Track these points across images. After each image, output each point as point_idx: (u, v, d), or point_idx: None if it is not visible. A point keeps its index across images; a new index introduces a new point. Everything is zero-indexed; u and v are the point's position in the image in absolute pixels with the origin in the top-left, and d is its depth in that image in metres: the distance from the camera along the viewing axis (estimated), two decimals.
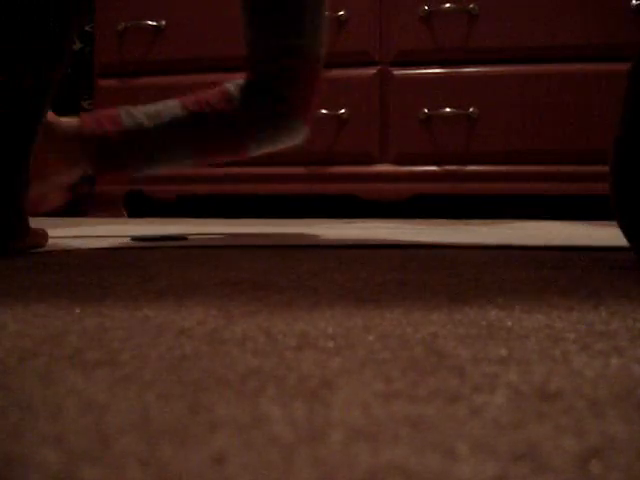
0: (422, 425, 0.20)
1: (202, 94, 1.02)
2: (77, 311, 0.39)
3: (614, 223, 0.93)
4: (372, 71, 1.85)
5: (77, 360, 0.28)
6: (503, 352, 0.29)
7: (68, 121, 0.94)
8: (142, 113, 0.97)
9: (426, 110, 1.75)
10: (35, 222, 0.84)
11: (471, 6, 1.73)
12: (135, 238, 0.97)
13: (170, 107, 0.99)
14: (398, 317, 0.37)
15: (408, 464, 0.17)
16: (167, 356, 0.28)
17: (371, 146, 1.81)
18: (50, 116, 0.91)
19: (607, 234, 1.04)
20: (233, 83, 1.01)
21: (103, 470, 0.17)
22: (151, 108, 0.98)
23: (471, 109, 1.74)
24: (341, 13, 1.85)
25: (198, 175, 1.96)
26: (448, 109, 1.75)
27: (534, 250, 0.80)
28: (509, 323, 0.35)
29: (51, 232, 1.05)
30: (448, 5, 1.76)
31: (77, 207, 2.13)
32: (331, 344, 0.31)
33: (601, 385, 0.24)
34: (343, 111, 1.85)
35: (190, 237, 1.01)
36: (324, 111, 1.87)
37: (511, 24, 1.72)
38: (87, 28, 2.17)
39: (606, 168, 0.98)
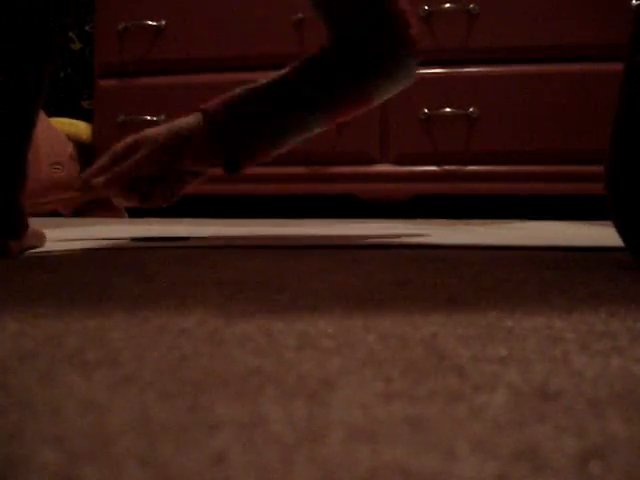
0: (422, 425, 0.20)
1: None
2: (77, 311, 0.39)
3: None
4: None
5: (77, 360, 0.28)
6: (503, 352, 0.29)
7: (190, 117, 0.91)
8: (247, 88, 0.94)
9: (426, 110, 1.75)
10: (37, 222, 0.84)
11: (471, 6, 1.73)
12: (135, 239, 0.97)
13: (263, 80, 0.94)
14: (398, 317, 0.37)
15: (408, 464, 0.17)
16: (167, 356, 0.28)
17: (371, 146, 1.81)
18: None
19: (607, 234, 1.04)
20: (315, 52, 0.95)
21: (103, 470, 0.17)
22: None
23: (471, 109, 1.74)
24: None
25: None
26: (448, 109, 1.75)
27: (534, 250, 0.80)
28: (509, 323, 0.35)
29: (52, 233, 1.05)
30: (448, 5, 1.76)
31: (77, 207, 2.13)
32: (331, 344, 0.31)
33: (601, 385, 0.24)
34: None
35: (192, 238, 1.01)
36: None
37: (511, 24, 1.72)
38: (87, 28, 2.16)
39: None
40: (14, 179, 0.73)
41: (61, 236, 1.01)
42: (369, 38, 0.94)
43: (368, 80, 0.96)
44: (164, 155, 0.85)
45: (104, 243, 0.87)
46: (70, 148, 2.05)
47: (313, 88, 0.93)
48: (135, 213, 2.06)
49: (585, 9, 1.68)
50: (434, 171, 1.75)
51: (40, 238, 0.81)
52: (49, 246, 0.81)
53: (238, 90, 0.96)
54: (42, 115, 2.00)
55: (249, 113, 0.93)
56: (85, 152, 2.09)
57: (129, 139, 0.84)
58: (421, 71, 1.78)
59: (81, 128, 2.07)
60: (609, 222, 1.02)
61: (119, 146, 0.83)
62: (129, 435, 0.19)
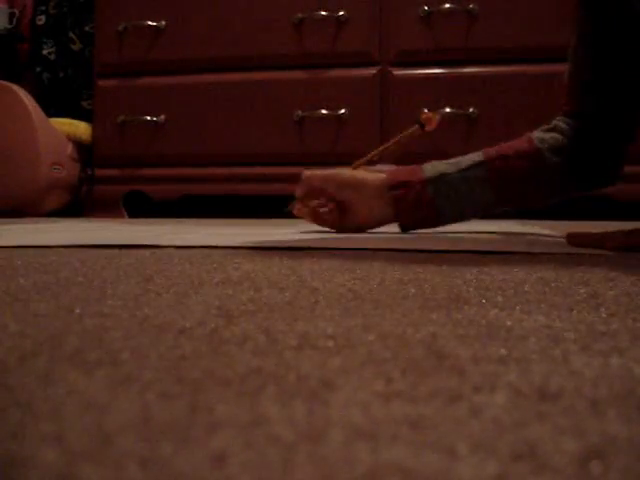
0: (422, 425, 0.20)
1: (506, 145, 0.99)
2: (77, 311, 0.39)
3: (614, 223, 0.92)
4: (372, 71, 1.85)
5: (77, 360, 0.28)
6: (503, 352, 0.29)
7: (376, 177, 1.00)
8: (444, 163, 0.99)
9: (426, 110, 1.75)
10: (36, 222, 0.84)
11: (471, 6, 1.73)
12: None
13: (471, 155, 0.99)
14: (398, 317, 0.37)
15: (408, 464, 0.17)
16: (167, 356, 0.28)
17: (371, 146, 1.81)
18: (360, 173, 1.01)
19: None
20: (539, 134, 0.98)
21: (103, 470, 0.17)
22: (453, 159, 1.00)
23: (471, 109, 1.74)
24: (341, 13, 1.85)
25: (198, 175, 1.96)
26: (448, 109, 1.75)
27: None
28: (509, 323, 0.35)
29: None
30: (448, 5, 1.76)
31: (78, 207, 2.13)
32: (331, 344, 0.31)
33: (601, 385, 0.24)
34: (343, 111, 1.85)
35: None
36: (324, 111, 1.87)
37: (511, 24, 1.72)
38: (87, 28, 2.17)
39: None
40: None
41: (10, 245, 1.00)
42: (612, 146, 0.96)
43: (564, 190, 1.00)
44: None
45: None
46: (70, 148, 2.05)
47: (501, 176, 0.98)
48: (135, 213, 2.06)
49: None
50: None
51: None
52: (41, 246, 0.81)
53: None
54: (42, 115, 2.00)
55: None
56: (85, 152, 2.09)
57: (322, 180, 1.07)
58: (421, 71, 1.78)
59: (81, 128, 2.07)
60: (609, 222, 1.01)
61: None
62: (129, 435, 0.19)
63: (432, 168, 0.98)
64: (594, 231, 0.83)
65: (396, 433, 0.19)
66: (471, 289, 0.47)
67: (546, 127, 1.00)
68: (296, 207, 1.09)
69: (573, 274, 0.56)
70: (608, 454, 0.18)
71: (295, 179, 1.97)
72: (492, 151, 0.98)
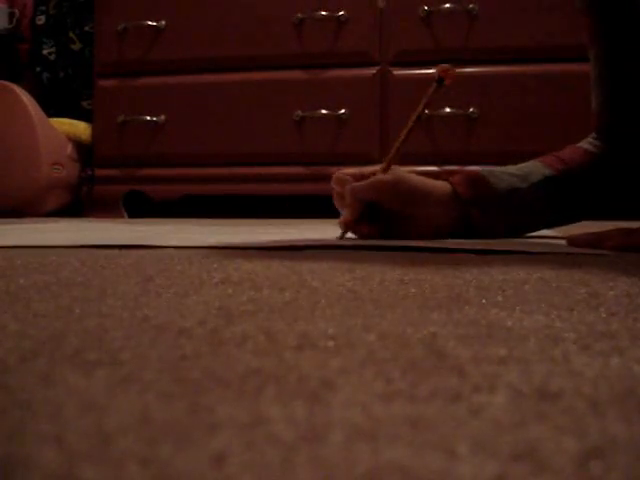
0: (422, 425, 0.20)
1: (555, 154, 0.96)
2: (77, 311, 0.39)
3: (614, 223, 0.92)
4: (372, 71, 1.85)
5: (77, 360, 0.28)
6: (503, 352, 0.29)
7: (441, 185, 0.92)
8: (508, 174, 0.93)
9: (426, 110, 1.75)
10: (37, 222, 0.84)
11: (471, 6, 1.74)
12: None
13: (534, 166, 0.94)
14: (398, 317, 0.37)
15: (408, 464, 0.17)
16: (167, 356, 0.28)
17: (371, 146, 1.81)
18: (420, 181, 0.91)
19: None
20: (586, 142, 0.96)
21: (103, 470, 0.17)
22: (512, 169, 0.94)
23: (471, 109, 1.74)
24: (341, 13, 1.86)
25: (198, 175, 1.96)
26: (448, 109, 1.75)
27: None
28: (509, 323, 0.35)
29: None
30: (448, 5, 1.76)
31: (78, 207, 2.13)
32: (331, 344, 0.31)
33: (601, 385, 0.24)
34: (343, 111, 1.85)
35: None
36: (324, 111, 1.87)
37: (511, 24, 1.72)
38: (87, 28, 2.17)
39: None
40: None
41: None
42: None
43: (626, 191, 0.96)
44: None
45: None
46: (70, 148, 2.05)
47: (567, 187, 0.94)
48: (135, 213, 2.06)
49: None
50: (434, 171, 1.75)
51: None
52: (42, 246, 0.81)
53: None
54: (42, 115, 2.00)
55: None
56: (85, 152, 2.09)
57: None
58: (421, 71, 1.78)
59: (81, 128, 2.07)
60: (607, 222, 1.02)
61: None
62: (129, 435, 0.19)
63: (500, 181, 0.92)
64: (594, 231, 0.82)
65: (396, 433, 0.19)
66: (471, 289, 0.47)
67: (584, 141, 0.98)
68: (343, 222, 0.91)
69: (573, 274, 0.56)
70: (608, 454, 0.18)
71: (295, 179, 1.97)
72: (558, 164, 0.94)
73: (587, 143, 0.97)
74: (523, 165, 0.95)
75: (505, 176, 0.93)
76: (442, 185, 0.93)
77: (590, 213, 0.99)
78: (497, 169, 0.95)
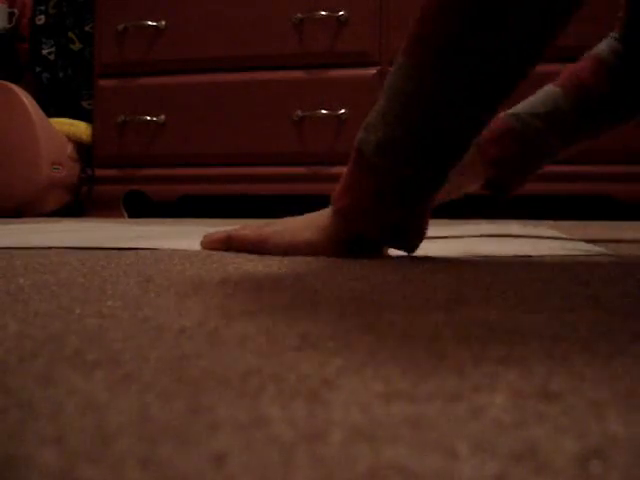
0: (422, 425, 0.20)
1: (575, 72, 0.93)
2: (77, 311, 0.39)
3: (612, 223, 0.92)
4: (372, 71, 1.84)
5: (77, 360, 0.28)
6: (503, 352, 0.29)
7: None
8: (532, 115, 0.91)
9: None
10: (36, 222, 0.83)
11: None
12: None
13: (554, 99, 0.91)
14: (398, 317, 0.37)
15: (408, 464, 0.17)
16: (167, 356, 0.28)
17: None
18: None
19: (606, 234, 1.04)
20: (607, 48, 0.92)
21: (103, 470, 0.17)
22: (538, 103, 0.91)
23: None
24: (341, 13, 1.85)
25: (198, 175, 1.96)
26: None
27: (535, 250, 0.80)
28: (509, 323, 0.35)
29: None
30: None
31: (78, 207, 2.13)
32: (331, 344, 0.31)
33: (601, 385, 0.24)
34: (343, 111, 1.85)
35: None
36: (324, 111, 1.87)
37: None
38: (87, 28, 2.17)
39: (604, 168, 0.98)
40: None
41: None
42: None
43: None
44: None
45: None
46: (70, 148, 2.05)
47: (584, 116, 0.91)
48: (135, 213, 2.06)
49: (584, 10, 1.68)
50: None
51: None
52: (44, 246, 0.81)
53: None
54: (42, 115, 2.00)
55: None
56: (85, 152, 2.09)
57: None
58: None
59: (81, 128, 2.07)
60: (608, 222, 1.02)
61: None
62: (129, 435, 0.19)
63: (524, 126, 0.91)
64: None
65: (396, 433, 0.19)
66: (471, 289, 0.47)
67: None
68: None
69: (573, 274, 0.56)
70: (608, 454, 0.18)
71: (295, 179, 1.97)
72: (579, 91, 0.91)
73: (608, 49, 0.93)
74: (546, 98, 0.92)
75: (531, 119, 0.91)
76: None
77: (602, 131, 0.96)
78: (523, 110, 0.92)
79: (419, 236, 0.68)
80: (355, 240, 0.69)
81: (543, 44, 0.68)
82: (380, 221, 0.67)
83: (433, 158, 0.66)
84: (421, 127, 0.65)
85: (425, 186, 0.66)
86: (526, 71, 0.68)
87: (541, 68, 0.72)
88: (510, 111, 0.92)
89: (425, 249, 0.70)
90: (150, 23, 1.96)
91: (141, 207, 2.04)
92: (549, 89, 0.92)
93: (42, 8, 2.22)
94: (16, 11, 2.25)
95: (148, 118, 1.96)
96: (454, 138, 0.66)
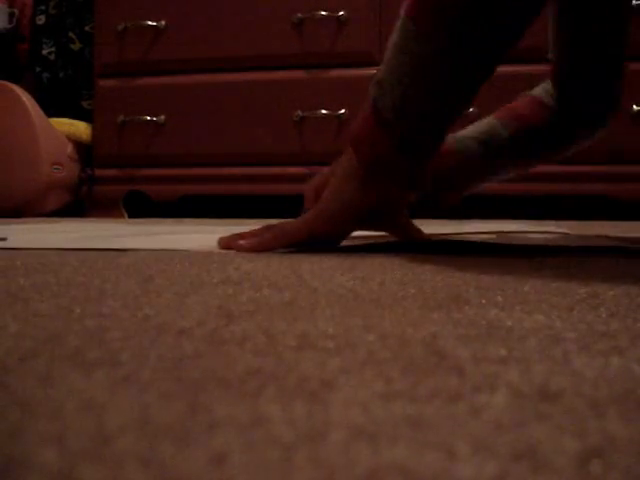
0: (422, 425, 0.20)
1: (513, 107, 0.99)
2: (77, 311, 0.39)
3: (613, 223, 0.92)
4: (372, 71, 1.84)
5: (77, 360, 0.28)
6: (503, 352, 0.29)
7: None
8: (471, 139, 0.97)
9: None
10: (37, 222, 0.83)
11: None
12: None
13: (492, 127, 0.97)
14: (398, 317, 0.37)
15: (408, 464, 0.17)
16: (167, 356, 0.28)
17: None
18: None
19: (605, 234, 1.04)
20: (542, 90, 0.98)
21: (103, 470, 0.17)
22: (477, 130, 0.98)
23: (471, 109, 1.74)
24: (341, 13, 1.85)
25: (198, 175, 1.96)
26: None
27: (534, 250, 0.80)
28: (509, 323, 0.35)
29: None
30: None
31: (78, 207, 2.13)
32: (331, 344, 0.31)
33: (601, 385, 0.24)
34: (343, 111, 1.85)
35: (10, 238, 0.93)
36: (324, 111, 1.87)
37: None
38: (87, 28, 2.17)
39: (604, 168, 0.99)
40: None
41: None
42: (597, 95, 0.95)
43: (577, 139, 0.99)
44: None
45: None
46: (70, 148, 2.05)
47: (520, 146, 0.97)
48: (135, 213, 2.06)
49: None
50: None
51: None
52: (47, 247, 0.81)
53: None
54: (42, 115, 2.00)
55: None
56: (85, 152, 2.09)
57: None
58: None
59: (81, 128, 2.07)
60: (606, 222, 1.02)
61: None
62: (129, 435, 0.19)
63: (461, 144, 0.97)
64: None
65: (396, 433, 0.19)
66: (471, 289, 0.47)
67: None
68: None
69: (573, 274, 0.56)
70: (608, 454, 0.18)
71: (295, 179, 1.97)
72: (516, 122, 0.97)
73: (544, 91, 0.99)
74: (483, 125, 0.99)
75: (469, 141, 0.98)
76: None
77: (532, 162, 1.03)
78: (463, 134, 0.99)
79: (427, 185, 0.81)
80: (381, 192, 0.77)
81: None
82: (403, 171, 0.75)
83: (444, 115, 0.75)
84: (434, 88, 0.73)
85: (436, 139, 0.76)
86: (522, 32, 0.79)
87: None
88: (453, 134, 0.98)
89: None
90: (150, 23, 1.96)
91: (141, 207, 2.04)
92: (488, 120, 0.99)
93: (42, 8, 2.22)
94: (16, 11, 2.25)
95: (148, 118, 1.96)
96: (461, 96, 0.75)
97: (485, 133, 0.98)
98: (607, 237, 1.02)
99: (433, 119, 0.75)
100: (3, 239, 0.91)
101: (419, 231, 0.85)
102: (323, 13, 1.84)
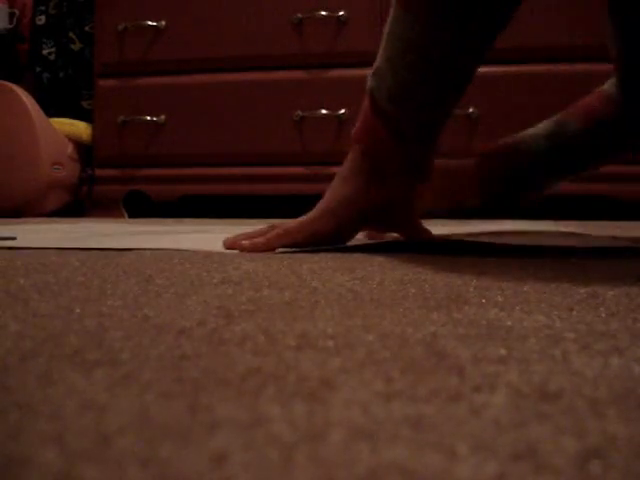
0: (422, 425, 0.20)
1: (582, 102, 0.96)
2: (77, 311, 0.39)
3: (613, 223, 0.92)
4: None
5: (77, 360, 0.28)
6: (503, 352, 0.29)
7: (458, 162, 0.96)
8: (536, 136, 0.94)
9: None
10: (35, 222, 0.83)
11: None
12: None
13: (559, 121, 0.94)
14: (398, 317, 0.37)
15: (408, 464, 0.17)
16: (167, 356, 0.28)
17: None
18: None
19: (605, 235, 1.04)
20: (610, 84, 0.96)
21: (103, 470, 0.17)
22: (541, 127, 0.95)
23: (471, 109, 1.74)
24: (341, 13, 1.85)
25: (198, 175, 1.96)
26: None
27: (534, 250, 0.80)
28: (509, 323, 0.36)
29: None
30: None
31: (78, 207, 2.13)
32: (331, 344, 0.31)
33: (601, 385, 0.24)
34: (343, 111, 1.85)
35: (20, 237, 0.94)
36: (324, 111, 1.87)
37: (511, 24, 1.71)
38: (87, 28, 2.17)
39: (604, 168, 0.99)
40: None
41: None
42: None
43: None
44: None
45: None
46: (70, 148, 2.05)
47: (594, 143, 0.94)
48: (135, 213, 2.06)
49: (586, 10, 1.68)
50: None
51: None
52: (44, 247, 0.81)
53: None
54: (42, 115, 2.00)
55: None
56: (85, 152, 2.09)
57: None
58: None
59: (81, 128, 2.07)
60: (607, 222, 1.01)
61: None
62: (129, 435, 0.19)
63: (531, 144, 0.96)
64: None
65: (396, 433, 0.19)
66: (471, 289, 0.47)
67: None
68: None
69: (573, 274, 0.56)
70: (608, 454, 0.18)
71: (295, 179, 1.97)
72: (589, 117, 0.95)
73: (613, 86, 0.96)
74: (549, 122, 0.96)
75: (535, 140, 0.95)
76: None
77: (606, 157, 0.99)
78: (526, 133, 0.96)
79: (431, 172, 0.80)
80: (383, 179, 0.76)
81: None
82: (405, 162, 0.76)
83: (440, 102, 0.75)
84: (427, 74, 0.73)
85: (435, 128, 0.76)
86: (510, 12, 0.80)
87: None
88: (519, 134, 0.96)
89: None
90: (150, 23, 1.96)
91: (141, 207, 2.04)
92: (556, 116, 0.96)
93: (42, 8, 2.22)
94: (16, 11, 2.25)
95: (148, 118, 1.96)
96: (455, 82, 0.75)
97: (552, 128, 0.95)
98: (614, 238, 1.02)
99: (429, 106, 0.74)
100: (12, 238, 0.92)
101: (427, 231, 0.83)
102: (323, 13, 1.84)
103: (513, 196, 0.97)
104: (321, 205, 0.77)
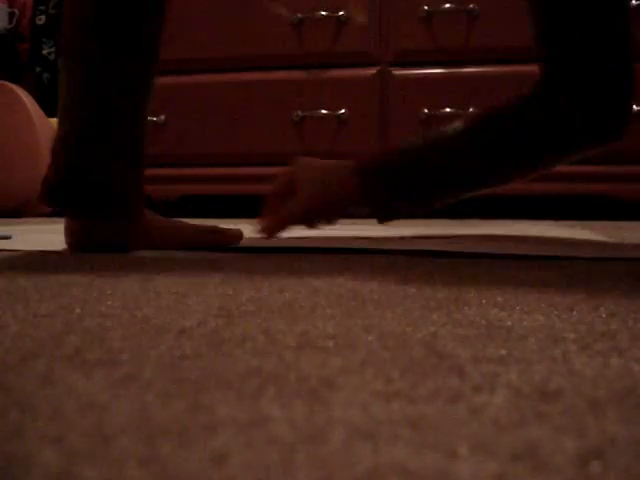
0: (422, 425, 0.20)
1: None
2: (77, 311, 0.39)
3: (613, 223, 0.92)
4: (372, 71, 1.84)
5: (77, 360, 0.28)
6: (503, 352, 0.29)
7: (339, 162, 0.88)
8: (418, 138, 0.86)
9: (426, 110, 1.75)
10: (36, 222, 0.83)
11: (471, 6, 1.73)
12: None
13: (449, 126, 0.86)
14: (398, 317, 0.37)
15: (408, 464, 0.17)
16: (167, 356, 0.28)
17: (371, 146, 1.81)
18: (314, 161, 0.93)
19: (605, 235, 1.04)
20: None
21: (103, 470, 0.17)
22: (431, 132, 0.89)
23: (471, 109, 1.74)
24: (341, 13, 1.85)
25: (198, 175, 1.96)
26: (448, 109, 1.75)
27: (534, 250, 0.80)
28: (509, 323, 0.36)
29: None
30: (448, 5, 1.76)
31: None
32: (331, 344, 0.31)
33: (601, 385, 0.24)
34: (343, 111, 1.85)
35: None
36: (324, 111, 1.87)
37: (511, 24, 1.72)
38: None
39: (604, 168, 0.98)
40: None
41: None
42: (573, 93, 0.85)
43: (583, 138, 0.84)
44: (317, 204, 0.86)
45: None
46: None
47: (489, 134, 0.87)
48: None
49: None
50: None
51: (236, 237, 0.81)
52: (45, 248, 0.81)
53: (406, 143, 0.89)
54: (42, 115, 2.00)
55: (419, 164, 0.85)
56: None
57: (286, 176, 0.95)
58: (421, 71, 1.78)
59: None
60: (606, 222, 1.02)
61: (279, 185, 0.94)
62: (129, 435, 0.19)
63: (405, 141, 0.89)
64: None
65: (396, 433, 0.19)
66: (471, 289, 0.47)
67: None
68: None
69: (573, 274, 0.56)
70: (608, 454, 0.18)
71: None
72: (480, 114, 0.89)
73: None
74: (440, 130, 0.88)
75: (415, 140, 0.87)
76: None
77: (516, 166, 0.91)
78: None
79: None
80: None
81: None
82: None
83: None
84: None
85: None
86: None
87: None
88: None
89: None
90: None
91: None
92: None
93: (42, 8, 2.22)
94: (16, 11, 2.25)
95: (148, 118, 1.96)
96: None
97: (437, 131, 0.87)
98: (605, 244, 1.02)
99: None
100: (7, 237, 0.91)
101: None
102: (323, 13, 1.84)
103: (404, 205, 0.85)
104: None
